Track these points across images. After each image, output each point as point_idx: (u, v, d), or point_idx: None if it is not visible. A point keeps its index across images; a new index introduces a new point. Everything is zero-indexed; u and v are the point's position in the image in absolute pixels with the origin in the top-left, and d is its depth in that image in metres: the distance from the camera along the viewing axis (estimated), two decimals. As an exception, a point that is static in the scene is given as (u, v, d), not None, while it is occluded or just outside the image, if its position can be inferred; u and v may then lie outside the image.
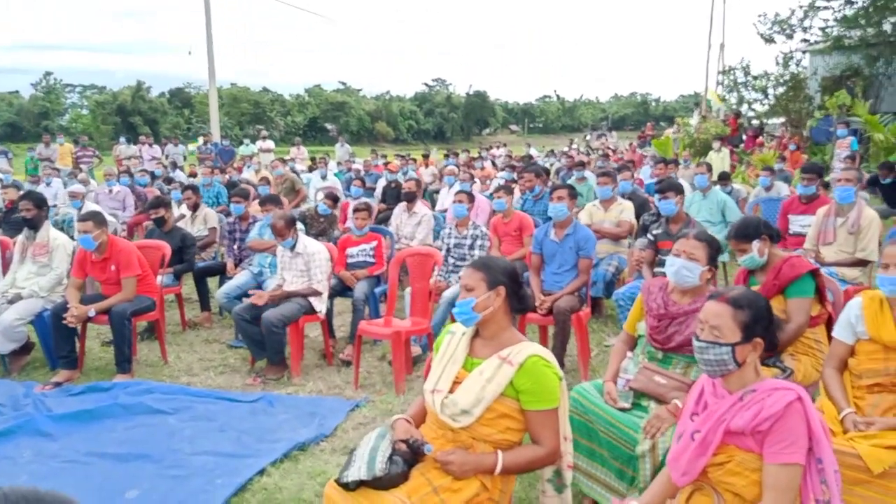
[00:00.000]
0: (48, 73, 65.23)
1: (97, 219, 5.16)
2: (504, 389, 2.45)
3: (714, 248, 3.27)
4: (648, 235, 5.46)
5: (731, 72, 19.28)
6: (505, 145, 26.84)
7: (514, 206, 6.72)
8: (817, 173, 6.14)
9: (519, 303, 2.62)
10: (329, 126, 64.99)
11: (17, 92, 62.19)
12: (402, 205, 7.46)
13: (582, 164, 10.41)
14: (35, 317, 5.30)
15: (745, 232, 3.73)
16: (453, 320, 6.05)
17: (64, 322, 4.93)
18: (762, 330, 2.18)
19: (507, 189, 6.55)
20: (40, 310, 5.32)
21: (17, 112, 58.07)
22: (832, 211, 5.47)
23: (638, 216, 6.66)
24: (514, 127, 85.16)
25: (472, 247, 5.91)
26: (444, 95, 79.45)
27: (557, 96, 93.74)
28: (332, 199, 7.84)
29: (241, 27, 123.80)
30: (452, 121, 76.24)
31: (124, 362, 5.11)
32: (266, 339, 5.11)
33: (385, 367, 5.43)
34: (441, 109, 76.47)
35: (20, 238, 5.59)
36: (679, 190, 5.32)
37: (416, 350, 5.38)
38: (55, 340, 5.14)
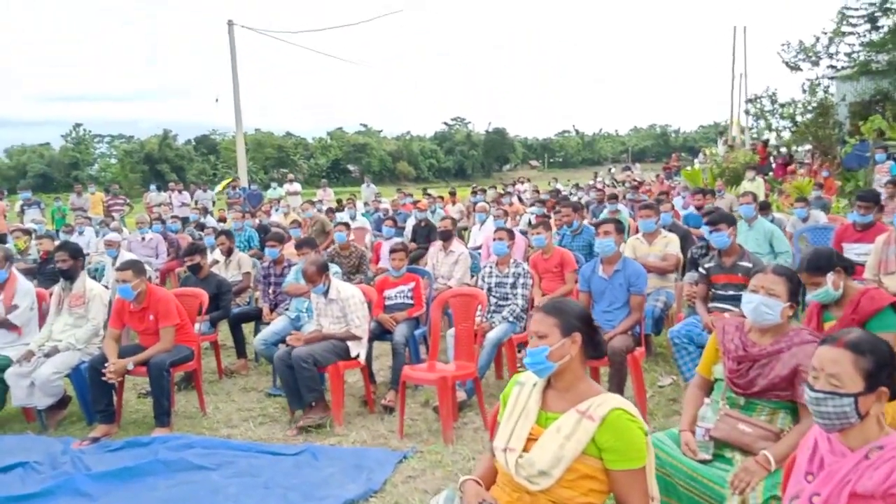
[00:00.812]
0: (77, 125, 67.07)
1: (136, 268, 5.06)
2: (585, 447, 2.23)
3: (795, 283, 3.03)
4: (700, 269, 5.22)
5: (758, 100, 19.08)
6: (528, 180, 26.73)
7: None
8: (874, 201, 5.89)
9: (594, 350, 2.41)
10: (351, 167, 65.75)
11: (47, 144, 63.84)
12: (438, 244, 7.31)
13: (615, 198, 10.25)
14: (72, 370, 5.18)
15: (818, 264, 3.49)
16: (498, 364, 5.92)
17: (103, 377, 4.78)
18: (887, 378, 1.94)
19: (545, 224, 6.38)
20: (77, 362, 5.20)
21: (48, 163, 59.51)
22: (892, 239, 5.21)
23: (681, 249, 6.44)
24: (534, 162, 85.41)
25: (514, 285, 5.71)
26: (463, 133, 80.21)
27: (576, 131, 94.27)
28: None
29: (263, 73, 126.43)
30: (473, 158, 76.77)
31: (163, 415, 4.95)
32: (297, 377, 4.93)
33: (429, 413, 5.21)
34: (461, 147, 77.09)
35: (56, 289, 5.51)
36: (731, 221, 5.10)
37: (460, 395, 5.16)
38: (93, 394, 5.00)
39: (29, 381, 5.06)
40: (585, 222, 7.94)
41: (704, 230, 5.67)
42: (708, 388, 3.15)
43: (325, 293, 5.28)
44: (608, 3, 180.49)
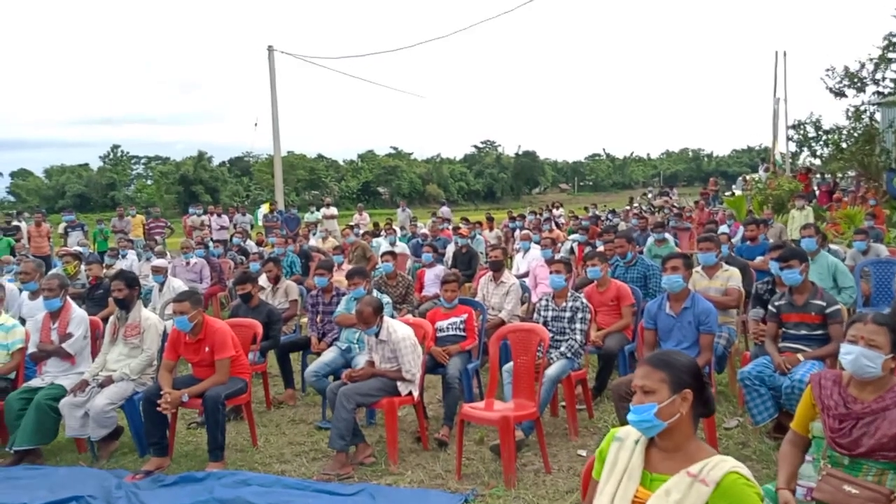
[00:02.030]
0: (115, 146, 68.53)
1: (194, 299, 5.02)
2: (699, 513, 2.08)
3: (899, 333, 2.85)
4: (770, 307, 5.02)
5: (802, 126, 18.76)
6: (562, 205, 26.56)
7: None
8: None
9: (704, 407, 2.26)
10: (382, 189, 66.12)
11: (86, 164, 65.23)
12: (489, 274, 7.19)
13: (662, 226, 10.00)
14: (125, 401, 5.14)
15: (917, 310, 3.30)
16: (554, 402, 5.76)
17: (157, 409, 4.73)
18: None
19: (601, 256, 6.23)
20: (131, 393, 5.17)
21: (86, 184, 60.70)
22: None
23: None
24: (564, 185, 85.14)
25: (572, 320, 5.56)
26: (493, 156, 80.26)
27: (607, 154, 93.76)
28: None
29: (296, 95, 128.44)
30: (502, 181, 76.69)
31: (217, 450, 4.86)
32: (335, 414, 4.81)
33: (485, 452, 5.06)
34: (491, 170, 77.08)
35: (112, 318, 5.48)
36: (803, 258, 4.91)
37: (518, 434, 4.99)
38: (146, 426, 4.96)
39: (83, 411, 5.04)
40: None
41: (773, 266, 5.50)
42: (804, 445, 2.97)
43: (377, 334, 5.17)
44: (638, 26, 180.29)
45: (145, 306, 6.34)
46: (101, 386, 5.14)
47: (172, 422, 5.17)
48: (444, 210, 22.18)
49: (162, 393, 4.80)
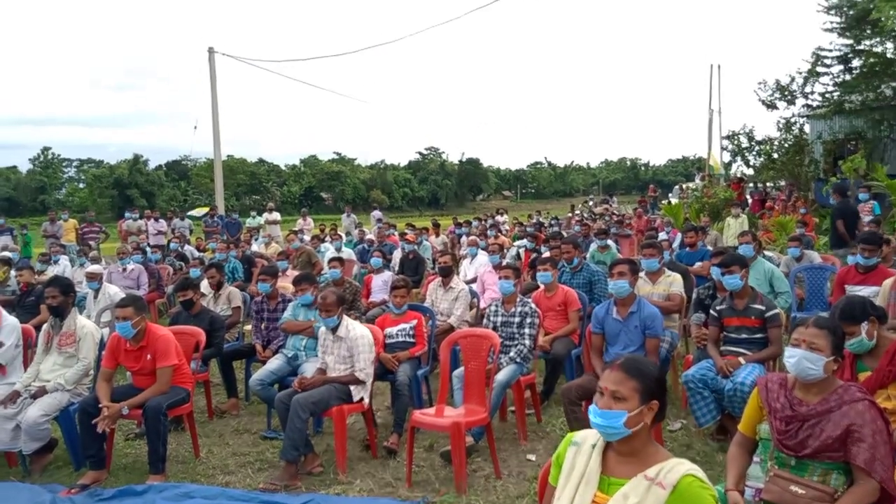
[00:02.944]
0: (46, 148, 65.91)
1: (138, 304, 4.84)
2: (656, 516, 2.09)
3: (838, 336, 2.95)
4: (712, 311, 5.15)
5: (736, 136, 19.43)
6: (506, 212, 26.78)
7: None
8: (878, 243, 5.91)
9: (660, 414, 2.29)
10: (325, 195, 65.53)
11: (14, 167, 62.55)
12: (438, 280, 7.17)
13: (605, 233, 10.19)
14: (60, 412, 4.91)
15: (852, 313, 3.44)
16: (503, 407, 5.77)
17: (94, 423, 4.53)
18: None
19: (552, 262, 6.29)
20: (66, 404, 4.95)
21: (14, 187, 58.26)
22: (899, 283, 5.20)
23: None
24: (507, 193, 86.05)
25: (521, 325, 5.58)
26: (437, 163, 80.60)
27: (548, 162, 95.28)
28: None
29: (237, 99, 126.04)
30: (446, 187, 77.12)
31: (158, 462, 4.69)
32: (288, 424, 4.70)
33: (434, 458, 5.03)
34: (435, 177, 77.42)
35: (45, 327, 5.24)
36: (743, 264, 5.06)
37: (468, 440, 4.97)
38: (82, 438, 4.74)
39: (14, 423, 4.80)
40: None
41: (715, 272, 5.64)
42: (751, 447, 3.04)
43: (335, 329, 5.09)
44: (580, 37, 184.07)
45: (80, 313, 6.09)
46: (34, 397, 4.90)
47: (110, 433, 4.94)
48: (376, 213, 22.01)
49: (100, 407, 4.60)
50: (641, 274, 6.34)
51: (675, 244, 10.88)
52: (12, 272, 8.55)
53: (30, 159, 64.93)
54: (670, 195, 24.85)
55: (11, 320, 5.31)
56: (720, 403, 4.72)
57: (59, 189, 63.95)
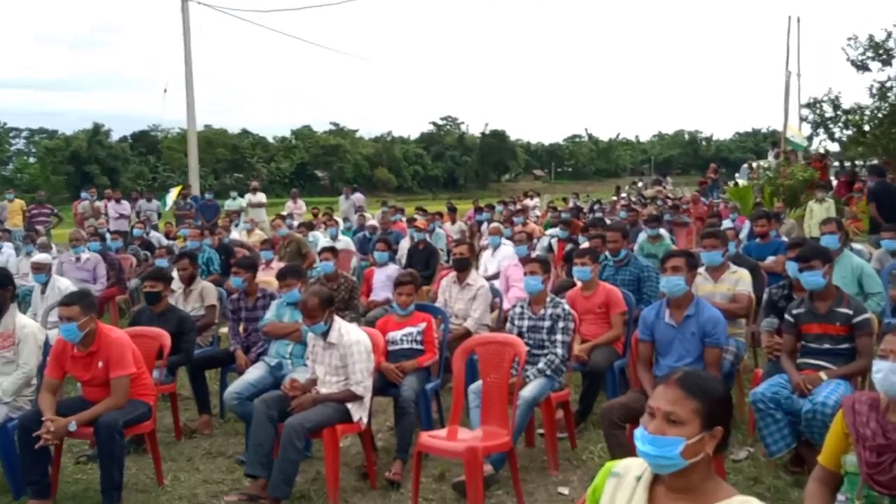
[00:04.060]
0: (-10, 116, 66.32)
1: (85, 302, 4.83)
2: (716, 567, 2.03)
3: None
4: (787, 316, 5.07)
5: (818, 105, 19.19)
6: (538, 194, 26.74)
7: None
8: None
9: (724, 442, 2.21)
10: (321, 173, 65.82)
11: (-48, 138, 63.22)
12: (452, 275, 7.13)
13: (657, 220, 10.10)
14: (-4, 429, 4.92)
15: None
16: (530, 429, 5.72)
17: (36, 440, 4.53)
18: None
19: (592, 253, 6.23)
20: (3, 419, 4.96)
21: (-48, 161, 58.95)
22: None
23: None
24: (538, 172, 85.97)
25: (551, 330, 5.54)
26: (455, 136, 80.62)
27: (589, 136, 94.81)
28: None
29: (216, 59, 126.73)
30: (465, 165, 77.15)
31: (112, 490, 4.69)
32: (280, 454, 4.68)
33: (446, 490, 5.01)
34: (452, 152, 77.50)
35: (-23, 326, 5.25)
36: (827, 258, 4.97)
37: (486, 469, 4.93)
38: (23, 461, 4.76)
39: (-59, 441, 4.80)
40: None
41: (791, 268, 5.55)
42: (835, 483, 2.99)
43: (325, 335, 5.06)
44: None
45: (23, 311, 6.13)
46: (-34, 410, 4.90)
47: (56, 455, 4.97)
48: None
49: (43, 420, 4.61)
50: (701, 270, 6.26)
51: (743, 234, 10.77)
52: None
53: (-31, 129, 65.67)
54: (737, 175, 24.52)
55: (-61, 319, 5.33)
56: (796, 428, 4.64)
57: (6, 164, 64.70)
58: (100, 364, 4.85)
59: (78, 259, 9.85)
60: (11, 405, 5.03)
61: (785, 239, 8.96)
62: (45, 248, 10.46)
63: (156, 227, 15.60)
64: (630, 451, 2.33)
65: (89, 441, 5.38)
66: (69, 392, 6.02)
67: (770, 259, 8.34)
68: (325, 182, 66.74)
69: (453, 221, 15.65)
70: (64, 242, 12.46)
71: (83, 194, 17.90)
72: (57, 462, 5.00)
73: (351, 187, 22.56)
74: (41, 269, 8.03)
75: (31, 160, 64.44)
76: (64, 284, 8.01)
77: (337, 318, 5.20)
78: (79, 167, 54.13)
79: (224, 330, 7.51)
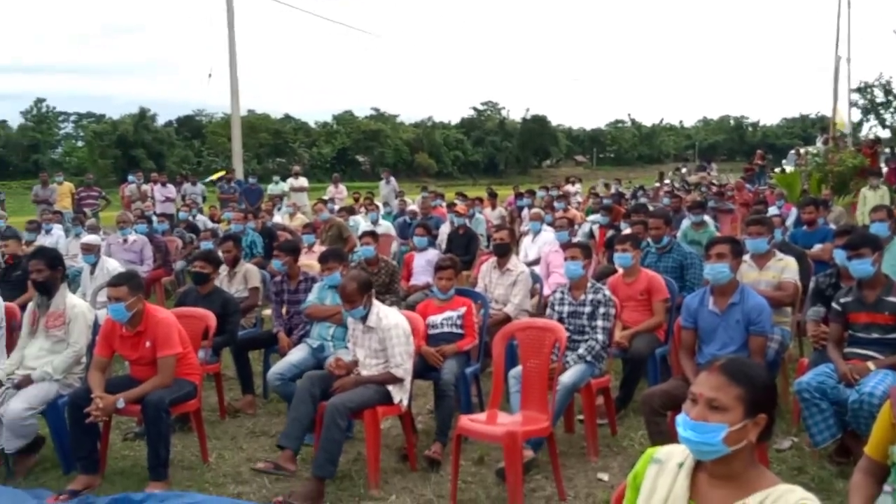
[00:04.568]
0: (40, 100, 67.87)
1: (133, 283, 4.92)
2: (759, 555, 2.02)
3: None
4: (834, 305, 4.99)
5: (869, 90, 18.74)
6: (580, 180, 26.55)
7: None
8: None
9: (768, 430, 2.19)
10: (361, 158, 66.08)
11: (4, 121, 64.69)
12: (493, 260, 7.14)
13: (701, 206, 9.98)
14: (48, 406, 5.06)
15: None
16: (569, 414, 5.71)
17: (86, 417, 4.65)
18: None
19: (634, 239, 6.18)
20: (54, 396, 5.08)
21: (3, 144, 60.33)
22: None
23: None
24: (580, 157, 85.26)
25: (592, 316, 5.51)
26: (495, 121, 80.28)
27: (632, 121, 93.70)
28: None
29: (259, 44, 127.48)
30: (506, 150, 76.87)
31: (159, 467, 4.79)
32: (323, 433, 4.73)
33: (485, 473, 5.04)
34: (492, 138, 77.22)
35: (30, 306, 5.39)
36: (876, 245, 4.88)
37: (527, 454, 4.94)
38: (73, 437, 4.87)
39: (-5, 417, 4.94)
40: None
41: (839, 255, 5.46)
42: (881, 474, 2.95)
43: (364, 318, 5.10)
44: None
45: (74, 291, 6.27)
46: (18, 387, 5.04)
47: (105, 432, 5.09)
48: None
49: (92, 397, 4.71)
50: (746, 257, 6.18)
51: (790, 221, 10.61)
52: (-5, 242, 8.83)
53: (21, 112, 67.06)
54: (784, 162, 24.09)
55: (-8, 297, 5.49)
56: (842, 418, 4.58)
57: (55, 148, 66.06)
58: (147, 344, 4.94)
59: (125, 241, 10.03)
60: (62, 383, 5.15)
61: (833, 226, 8.81)
62: (94, 229, 10.67)
63: (201, 211, 15.80)
64: (671, 438, 2.33)
65: (137, 418, 5.50)
66: (117, 371, 6.16)
67: (817, 247, 8.23)
68: (366, 167, 67.01)
69: (493, 207, 15.63)
70: (111, 225, 12.70)
71: (130, 178, 18.21)
72: (105, 438, 5.13)
73: (389, 172, 22.60)
74: (90, 251, 8.20)
75: (80, 144, 65.68)
76: (112, 265, 8.17)
77: (376, 303, 5.24)
78: (125, 151, 55.00)
79: (267, 312, 7.62)
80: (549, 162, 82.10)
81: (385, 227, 12.39)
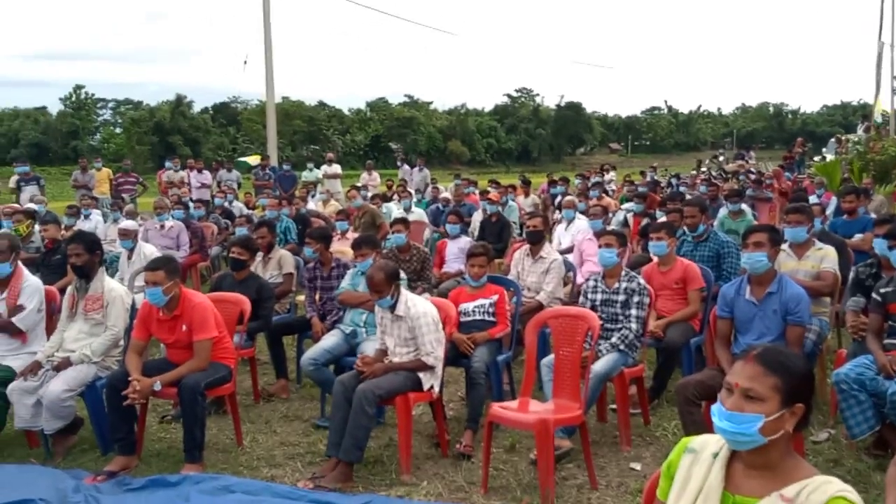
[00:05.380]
0: (79, 87, 68.79)
1: (170, 267, 4.99)
2: (794, 546, 2.00)
3: None
4: (874, 296, 4.91)
5: (911, 76, 18.28)
6: (614, 168, 26.33)
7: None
8: None
9: (805, 420, 2.16)
10: (394, 145, 66.13)
11: (44, 108, 65.70)
12: (525, 248, 7.10)
13: (739, 195, 9.84)
14: (86, 388, 5.15)
15: None
16: (601, 404, 5.69)
17: (123, 398, 4.73)
18: None
19: (669, 228, 6.12)
20: (93, 379, 5.17)
21: (43, 131, 61.25)
22: None
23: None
24: (615, 145, 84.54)
25: (626, 304, 5.48)
26: (529, 108, 79.83)
27: (669, 108, 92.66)
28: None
29: (293, 31, 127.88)
30: (539, 138, 76.42)
31: (195, 449, 4.87)
32: (351, 419, 4.75)
33: (516, 460, 5.05)
34: (526, 125, 76.82)
35: (69, 290, 5.48)
36: (919, 235, 4.77)
37: (562, 443, 4.93)
38: (111, 418, 4.96)
39: (35, 398, 5.04)
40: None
41: (879, 245, 5.37)
42: None
43: (393, 308, 5.11)
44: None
45: (112, 276, 6.37)
46: (57, 369, 5.13)
47: (142, 414, 5.18)
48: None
49: (129, 380, 4.79)
50: (784, 246, 6.10)
51: (829, 210, 10.42)
52: (36, 226, 8.98)
53: (60, 99, 68.08)
54: (824, 150, 23.67)
55: (34, 281, 5.58)
56: (880, 410, 4.52)
57: (94, 134, 66.97)
58: (183, 327, 5.01)
59: (162, 226, 10.15)
60: (100, 365, 5.23)
61: (873, 216, 8.64)
62: (132, 215, 10.81)
63: (236, 197, 15.92)
64: (705, 428, 2.31)
65: (173, 401, 5.60)
66: (154, 354, 6.25)
67: (857, 236, 8.10)
68: (398, 154, 67.09)
69: (526, 195, 15.55)
70: (149, 210, 12.86)
71: (167, 164, 18.41)
72: (142, 420, 5.21)
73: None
74: (128, 236, 8.32)
75: (117, 130, 66.53)
76: (149, 250, 8.29)
77: (404, 291, 5.24)
78: (162, 138, 55.55)
79: (301, 298, 7.67)
80: (582, 149, 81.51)
81: (417, 214, 12.41)
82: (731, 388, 2.15)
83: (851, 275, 5.76)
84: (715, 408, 2.17)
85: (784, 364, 2.13)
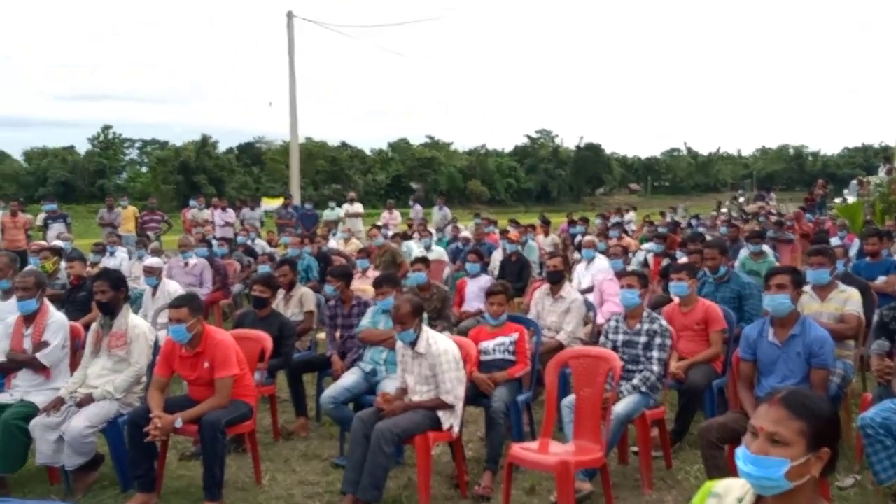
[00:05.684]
0: (107, 127, 69.80)
1: (194, 305, 5.02)
2: None
3: None
4: (899, 338, 4.83)
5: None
6: (634, 208, 26.31)
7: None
8: None
9: (831, 465, 2.12)
10: (415, 185, 66.52)
11: (72, 147, 66.65)
12: (546, 287, 7.09)
13: (760, 236, 9.78)
14: (108, 424, 5.15)
15: None
16: (623, 446, 5.62)
17: (145, 435, 4.72)
18: None
19: (690, 269, 6.08)
20: (114, 415, 5.18)
21: (71, 169, 62.10)
22: None
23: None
24: (634, 186, 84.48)
25: (647, 346, 5.43)
26: (549, 149, 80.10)
27: (688, 149, 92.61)
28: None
29: (317, 74, 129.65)
30: (559, 178, 76.57)
31: (214, 487, 4.84)
32: (369, 458, 4.72)
33: (536, 503, 4.97)
34: (546, 165, 77.04)
35: (94, 326, 5.52)
36: (944, 277, 4.71)
37: (583, 486, 4.86)
38: (131, 455, 4.97)
39: (57, 434, 5.06)
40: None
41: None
42: None
43: (414, 344, 5.10)
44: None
45: (136, 312, 6.40)
46: (80, 405, 5.14)
47: (162, 451, 5.16)
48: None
49: (151, 417, 4.79)
50: (807, 288, 6.04)
51: (852, 252, 10.33)
52: (62, 263, 9.08)
53: (88, 139, 69.08)
54: (845, 192, 23.54)
55: (59, 317, 5.62)
56: (908, 456, 4.41)
57: (120, 173, 67.87)
58: (205, 364, 5.01)
59: (186, 264, 10.22)
60: (122, 402, 5.24)
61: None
62: (157, 253, 10.91)
63: (259, 235, 16.04)
64: (728, 472, 2.28)
65: (193, 438, 5.58)
66: (175, 391, 6.26)
67: (881, 279, 7.98)
68: (419, 194, 67.44)
69: (546, 234, 15.55)
70: (173, 248, 12.97)
71: (191, 202, 18.61)
72: (163, 457, 5.19)
73: (443, 199, 22.68)
74: (152, 273, 8.38)
75: (144, 169, 67.38)
76: (173, 287, 8.33)
77: (426, 328, 5.23)
78: (187, 177, 56.15)
79: (321, 335, 7.68)
80: (602, 190, 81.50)
81: (438, 252, 12.42)
82: (755, 431, 2.12)
83: (875, 318, 5.68)
84: (739, 451, 2.13)
85: (810, 408, 2.10)
